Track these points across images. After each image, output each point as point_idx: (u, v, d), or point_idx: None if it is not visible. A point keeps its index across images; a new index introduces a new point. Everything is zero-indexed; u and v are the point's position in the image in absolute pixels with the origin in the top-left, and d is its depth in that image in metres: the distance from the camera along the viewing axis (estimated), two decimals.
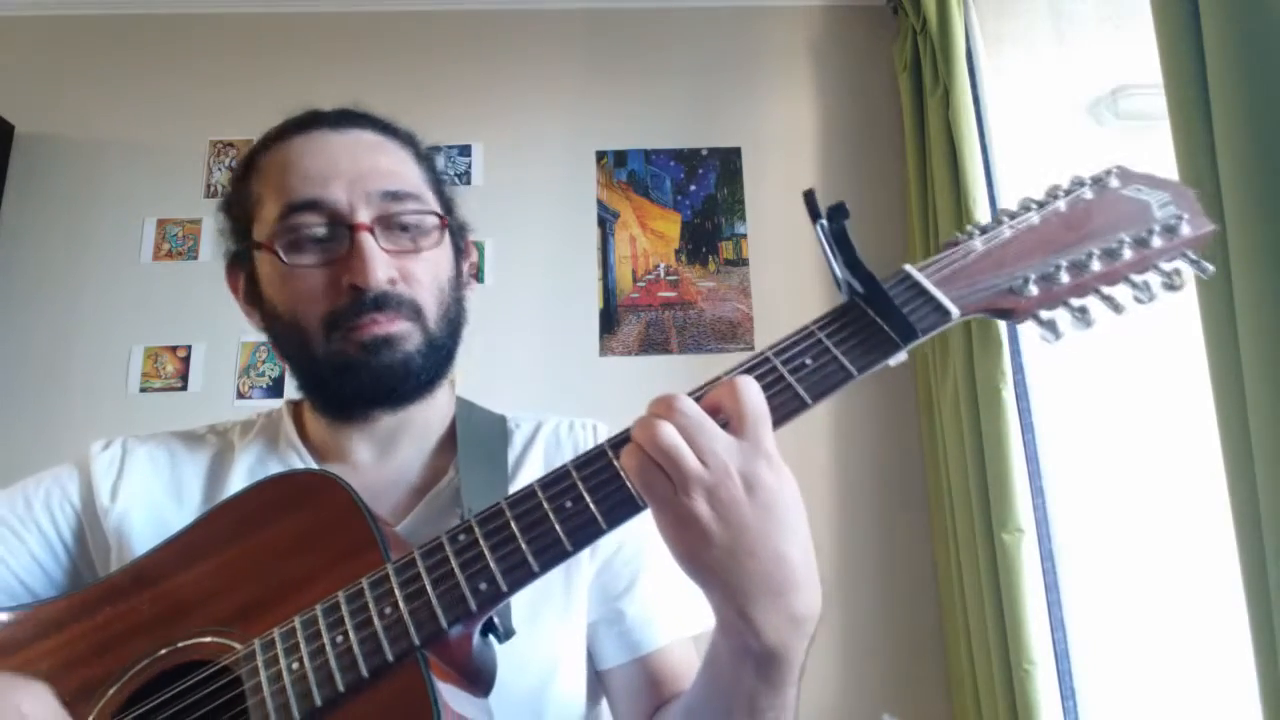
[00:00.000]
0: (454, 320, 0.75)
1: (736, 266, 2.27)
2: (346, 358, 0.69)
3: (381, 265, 0.68)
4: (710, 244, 2.29)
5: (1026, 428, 1.71)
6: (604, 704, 0.79)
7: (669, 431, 0.50)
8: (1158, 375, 1.57)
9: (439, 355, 0.73)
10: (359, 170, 0.71)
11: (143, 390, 2.13)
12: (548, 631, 0.71)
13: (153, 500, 0.73)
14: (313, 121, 0.75)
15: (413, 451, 0.78)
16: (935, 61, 1.98)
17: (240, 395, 2.14)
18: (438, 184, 0.79)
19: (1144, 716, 1.59)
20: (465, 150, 2.29)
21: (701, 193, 2.32)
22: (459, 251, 0.79)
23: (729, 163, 2.34)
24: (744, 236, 2.29)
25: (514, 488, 0.74)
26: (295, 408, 0.81)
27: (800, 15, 2.45)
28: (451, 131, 2.30)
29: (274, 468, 0.75)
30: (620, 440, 0.55)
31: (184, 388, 2.14)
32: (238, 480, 0.74)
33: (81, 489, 0.73)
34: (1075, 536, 1.68)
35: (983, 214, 1.80)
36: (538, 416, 0.85)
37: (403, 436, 0.77)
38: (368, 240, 0.68)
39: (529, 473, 0.78)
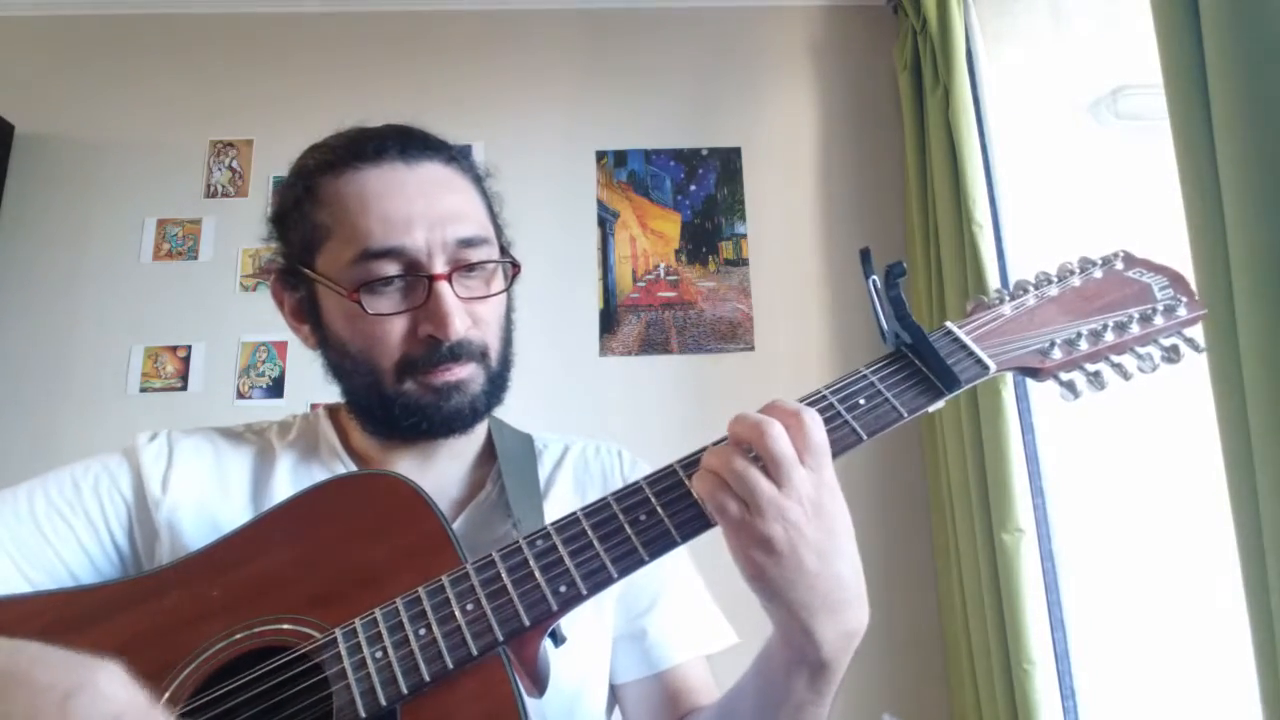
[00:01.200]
0: (509, 353, 0.78)
1: (736, 266, 2.27)
2: (418, 401, 0.71)
3: (459, 317, 0.70)
4: (710, 244, 2.29)
5: (1026, 428, 1.71)
6: (616, 716, 0.82)
7: (740, 464, 0.54)
8: (1158, 375, 1.57)
9: (498, 390, 0.76)
10: (435, 214, 0.71)
11: (143, 390, 2.13)
12: (580, 647, 0.72)
13: (201, 493, 0.73)
14: (381, 151, 0.73)
15: (452, 464, 0.80)
16: (935, 61, 1.98)
17: (240, 395, 2.14)
18: (493, 211, 0.80)
19: (1144, 716, 1.59)
20: (465, 150, 2.29)
21: (701, 193, 2.32)
22: (509, 279, 0.80)
23: (729, 163, 2.34)
24: (744, 236, 2.29)
25: (547, 504, 0.78)
26: (334, 413, 0.82)
27: (800, 15, 2.45)
28: (451, 131, 2.28)
29: (317, 472, 0.76)
30: (690, 460, 0.60)
31: (184, 388, 2.14)
32: (281, 479, 0.75)
33: (132, 478, 0.73)
34: (1075, 536, 1.68)
35: (982, 214, 1.80)
36: (562, 439, 0.88)
37: (443, 450, 0.79)
38: (447, 292, 0.69)
39: (560, 492, 0.81)
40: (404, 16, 2.42)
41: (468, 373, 0.71)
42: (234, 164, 2.30)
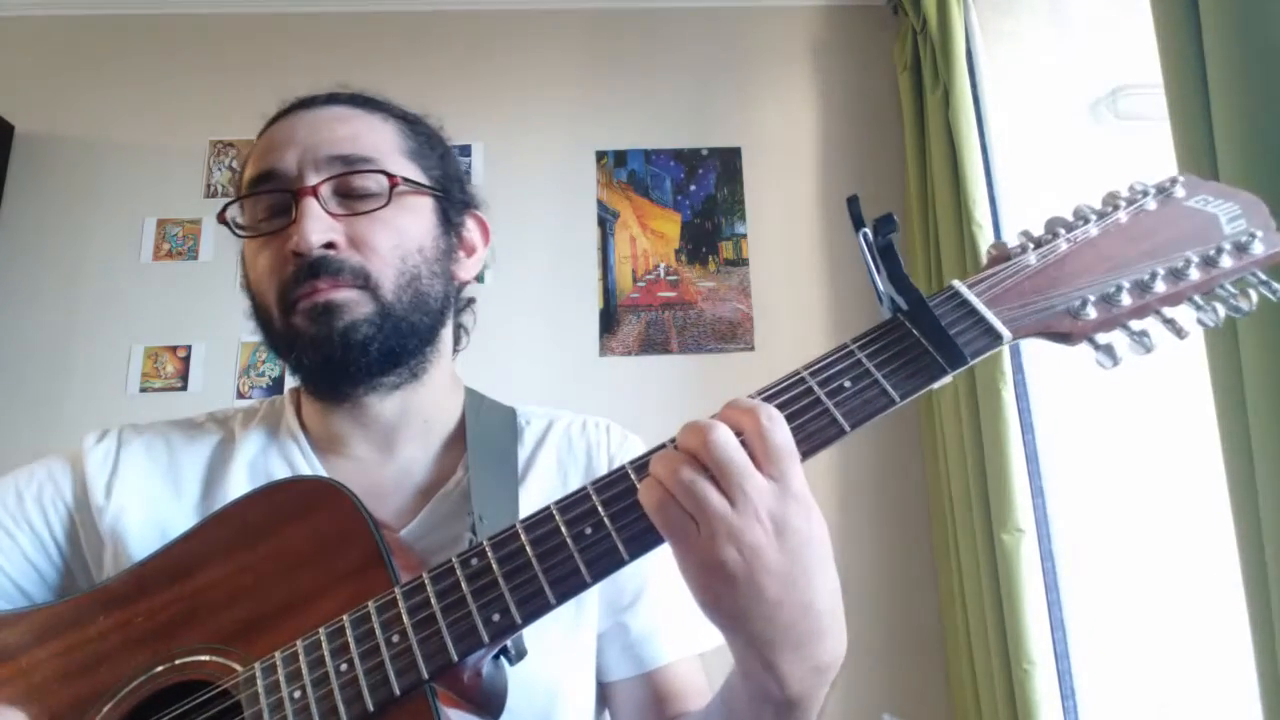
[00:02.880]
0: (424, 294, 0.70)
1: (736, 266, 2.27)
2: (300, 332, 0.66)
3: (316, 228, 0.65)
4: (710, 244, 2.29)
5: (1026, 428, 1.71)
6: (606, 715, 0.78)
7: (686, 472, 0.47)
8: (1158, 374, 1.57)
9: (398, 329, 0.68)
10: (314, 139, 0.69)
11: (143, 390, 2.13)
12: (556, 650, 0.68)
13: (150, 497, 0.70)
14: (293, 106, 0.74)
15: (417, 448, 0.75)
16: (935, 61, 1.98)
17: (240, 395, 2.14)
18: (424, 154, 0.75)
19: (1144, 716, 1.59)
20: (465, 150, 2.29)
21: (701, 193, 2.32)
22: (449, 224, 0.75)
23: (729, 163, 2.34)
24: (744, 236, 2.29)
25: (524, 490, 0.72)
26: (297, 395, 0.79)
27: (800, 15, 2.45)
28: (452, 131, 2.28)
29: (274, 458, 0.73)
30: (644, 462, 0.51)
31: (184, 388, 2.14)
32: (238, 472, 0.71)
33: (75, 486, 0.70)
34: (1075, 536, 1.68)
35: (983, 214, 1.80)
36: (548, 413, 0.82)
37: (404, 431, 0.74)
38: (306, 203, 0.66)
39: (540, 474, 0.75)
40: (404, 17, 2.42)
41: (341, 296, 0.65)
42: (234, 164, 2.29)
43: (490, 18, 2.42)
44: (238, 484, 0.70)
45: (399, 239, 0.69)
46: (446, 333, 0.76)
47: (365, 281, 0.67)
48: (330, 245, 0.66)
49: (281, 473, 0.72)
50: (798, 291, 2.23)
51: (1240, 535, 0.94)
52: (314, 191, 0.66)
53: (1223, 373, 0.96)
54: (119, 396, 2.12)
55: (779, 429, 0.48)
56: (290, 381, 2.27)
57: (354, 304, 0.66)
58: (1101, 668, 1.62)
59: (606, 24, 2.44)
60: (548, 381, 2.11)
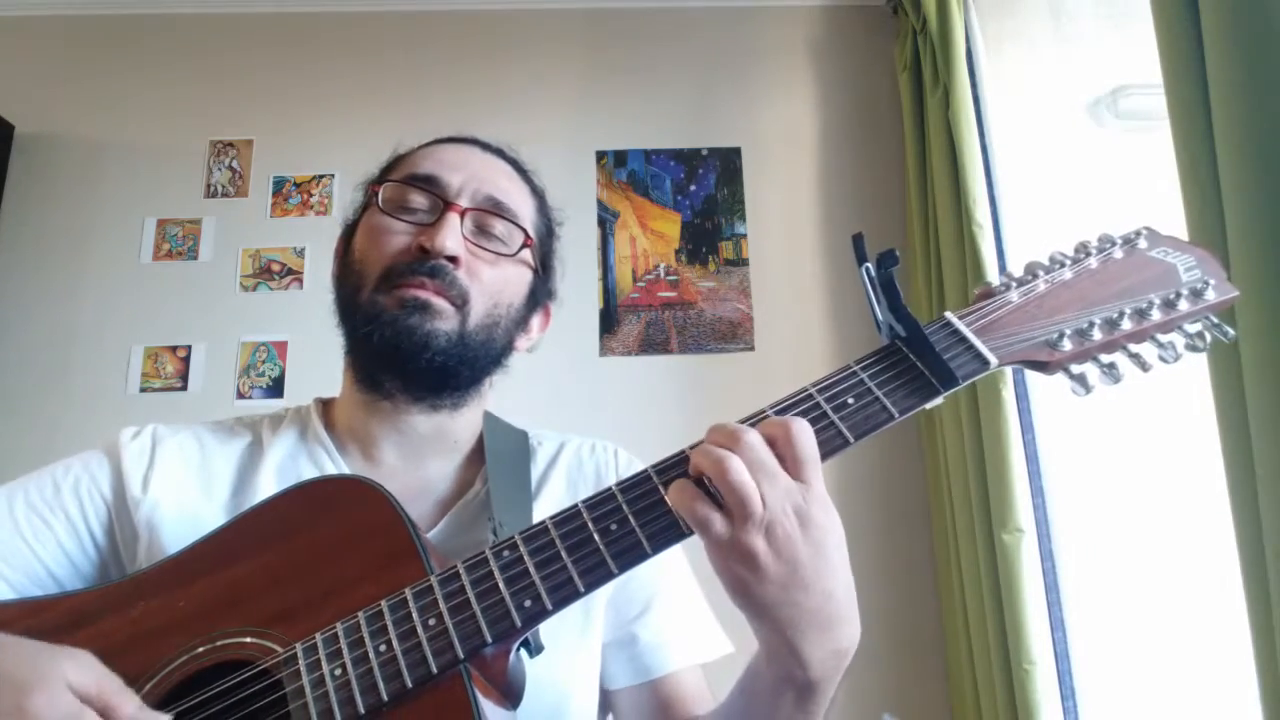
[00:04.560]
0: (494, 340, 0.77)
1: (736, 266, 2.27)
2: (381, 310, 0.72)
3: (454, 238, 0.73)
4: (710, 244, 2.29)
5: (1026, 428, 1.71)
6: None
7: (737, 466, 0.51)
8: (1158, 374, 1.57)
9: (463, 357, 0.74)
10: (481, 174, 0.78)
11: (143, 390, 2.13)
12: (566, 652, 0.71)
13: (182, 493, 0.72)
14: (468, 140, 0.83)
15: (441, 464, 0.80)
16: (935, 61, 1.98)
17: (240, 395, 2.14)
18: (543, 236, 0.84)
19: (1144, 716, 1.59)
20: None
21: (701, 193, 2.32)
22: (533, 301, 0.82)
23: (729, 163, 2.34)
24: (744, 236, 2.29)
25: (537, 505, 0.77)
26: (325, 405, 0.83)
27: (800, 15, 2.45)
28: (452, 132, 2.29)
29: (303, 462, 0.76)
30: (666, 465, 0.57)
31: (184, 388, 2.14)
32: (267, 475, 0.74)
33: (112, 478, 0.73)
34: (1075, 536, 1.68)
35: (983, 214, 1.80)
36: (559, 436, 0.87)
37: (434, 449, 0.79)
38: (453, 217, 0.74)
39: (552, 491, 0.80)
40: (404, 17, 2.42)
41: (438, 302, 0.72)
42: (234, 164, 2.29)
43: (490, 18, 2.42)
44: (266, 486, 0.73)
45: (502, 286, 0.77)
46: (488, 381, 0.83)
47: (462, 303, 0.74)
48: (454, 260, 0.73)
49: (310, 475, 0.74)
50: (797, 291, 2.23)
51: (1240, 535, 0.94)
52: (462, 212, 0.75)
53: (1223, 373, 0.96)
54: (119, 397, 2.12)
55: (807, 439, 0.53)
56: (288, 392, 2.24)
57: (445, 314, 0.72)
58: (1101, 667, 1.62)
59: (606, 24, 2.44)
60: (548, 381, 2.11)
